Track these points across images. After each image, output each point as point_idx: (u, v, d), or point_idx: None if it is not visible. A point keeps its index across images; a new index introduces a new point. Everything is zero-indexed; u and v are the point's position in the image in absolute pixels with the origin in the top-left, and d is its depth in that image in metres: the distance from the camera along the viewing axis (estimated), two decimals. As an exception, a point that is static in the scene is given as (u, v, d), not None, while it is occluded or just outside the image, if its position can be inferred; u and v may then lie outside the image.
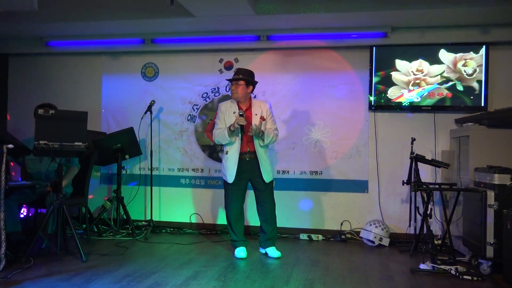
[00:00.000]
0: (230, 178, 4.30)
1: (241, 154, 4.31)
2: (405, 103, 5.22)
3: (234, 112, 4.29)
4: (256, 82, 4.43)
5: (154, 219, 5.58)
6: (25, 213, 5.00)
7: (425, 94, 5.15)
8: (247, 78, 4.33)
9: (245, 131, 4.24)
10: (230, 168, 4.30)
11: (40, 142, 3.84)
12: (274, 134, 4.38)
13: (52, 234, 4.25)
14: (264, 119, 4.33)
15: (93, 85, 6.01)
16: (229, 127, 4.23)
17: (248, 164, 4.33)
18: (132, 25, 5.40)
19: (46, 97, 5.80)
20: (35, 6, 4.35)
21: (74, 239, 4.08)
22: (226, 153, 4.35)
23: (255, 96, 5.34)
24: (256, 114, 4.34)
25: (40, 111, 3.91)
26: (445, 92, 5.14)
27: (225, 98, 5.62)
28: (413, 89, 5.17)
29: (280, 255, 4.37)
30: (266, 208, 4.40)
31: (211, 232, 5.52)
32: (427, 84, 5.18)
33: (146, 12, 5.06)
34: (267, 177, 4.34)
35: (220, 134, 4.31)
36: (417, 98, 5.18)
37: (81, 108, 5.07)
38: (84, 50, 5.94)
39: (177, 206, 5.74)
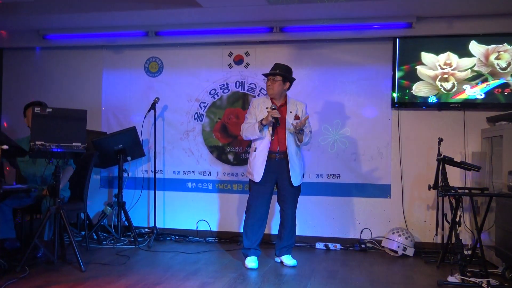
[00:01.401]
0: (257, 176, 4.31)
1: (271, 153, 4.32)
2: (431, 100, 5.17)
3: (267, 108, 4.32)
4: (294, 79, 4.47)
5: (158, 226, 5.60)
6: (20, 219, 5.04)
7: (489, 90, 5.06)
8: (285, 74, 4.35)
9: (280, 124, 4.26)
10: (258, 166, 4.31)
11: (37, 142, 3.87)
12: (310, 136, 4.43)
13: (48, 241, 4.29)
14: (298, 118, 4.36)
15: (93, 81, 6.06)
16: (261, 120, 4.25)
17: (277, 164, 4.34)
18: (134, 17, 5.43)
19: (43, 94, 5.86)
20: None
21: (72, 247, 4.10)
22: (255, 150, 4.36)
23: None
24: (291, 112, 4.38)
25: (36, 109, 3.95)
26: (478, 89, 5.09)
27: (234, 94, 5.64)
28: (476, 85, 5.07)
29: (296, 263, 4.38)
30: (289, 214, 4.41)
31: (219, 240, 5.53)
32: (456, 79, 5.13)
33: (150, 2, 5.08)
34: (295, 180, 4.34)
35: (249, 129, 4.34)
36: (481, 95, 5.09)
37: (80, 106, 5.11)
38: (84, 44, 6.00)
39: (183, 212, 5.76)
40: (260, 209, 4.38)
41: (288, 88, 4.46)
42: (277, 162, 4.35)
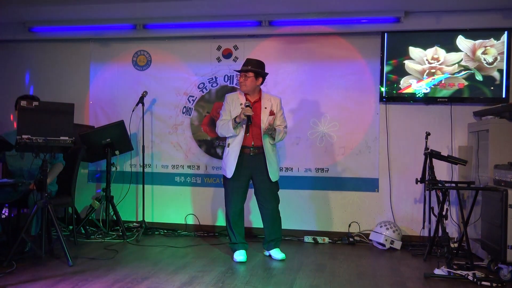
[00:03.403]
0: (229, 172, 4.32)
1: (244, 148, 4.32)
2: (419, 94, 5.21)
3: (241, 104, 4.31)
4: (267, 74, 4.45)
5: (146, 220, 5.60)
6: (6, 214, 5.01)
7: (441, 83, 5.13)
8: (257, 69, 4.35)
9: (252, 122, 4.26)
10: (230, 161, 4.32)
11: (23, 136, 3.84)
12: (284, 132, 4.44)
13: (36, 236, 4.26)
14: (273, 114, 4.36)
15: (80, 75, 6.01)
16: (235, 118, 4.24)
17: (252, 160, 4.34)
18: (122, 9, 5.39)
19: (29, 88, 5.80)
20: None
21: (60, 241, 4.08)
22: (228, 146, 4.37)
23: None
24: (265, 108, 4.37)
25: (23, 103, 3.91)
26: (463, 82, 5.13)
27: (223, 88, 5.63)
28: (423, 79, 5.14)
29: (285, 257, 4.41)
30: (270, 209, 4.42)
31: (208, 234, 5.53)
32: (443, 73, 5.16)
33: (138, -5, 5.05)
34: (273, 176, 4.36)
35: (224, 126, 4.34)
36: (426, 89, 5.15)
37: (67, 99, 5.07)
38: (70, 37, 5.93)
39: (171, 206, 5.75)
40: (236, 203, 4.40)
41: (262, 83, 4.44)
42: (252, 157, 4.35)
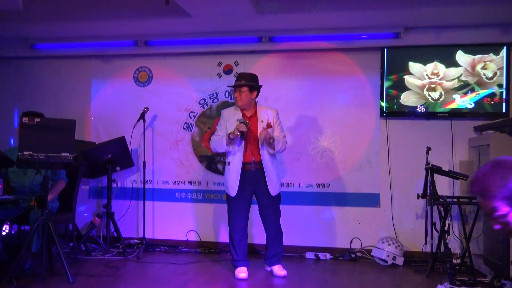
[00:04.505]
0: (233, 191, 4.31)
1: (245, 164, 4.32)
2: (423, 110, 5.22)
3: (237, 120, 4.31)
4: (261, 86, 4.46)
5: (147, 236, 5.57)
6: (7, 230, 4.99)
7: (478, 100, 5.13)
8: (251, 83, 4.35)
9: (246, 138, 4.25)
10: (232, 180, 4.31)
11: (24, 153, 3.84)
12: (283, 142, 4.40)
13: (36, 253, 4.24)
14: (270, 126, 4.35)
15: (81, 91, 6.03)
16: (229, 134, 4.24)
17: (253, 175, 4.34)
18: (124, 26, 5.44)
19: (31, 104, 5.81)
20: (20, 5, 4.38)
21: (60, 258, 4.06)
22: (228, 164, 4.36)
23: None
24: (262, 121, 4.37)
25: (25, 119, 3.93)
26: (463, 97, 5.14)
27: (224, 104, 5.64)
28: (465, 95, 5.13)
29: (286, 273, 4.38)
30: (271, 222, 4.41)
31: (209, 250, 5.50)
32: (443, 89, 5.18)
33: (139, 12, 5.09)
34: (273, 190, 4.35)
35: (217, 141, 4.34)
36: (470, 104, 5.13)
37: (68, 115, 5.09)
38: (73, 53, 5.98)
39: (172, 223, 5.73)
40: (240, 221, 4.38)
41: (256, 96, 4.45)
42: (253, 173, 4.34)
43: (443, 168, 4.67)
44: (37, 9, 4.97)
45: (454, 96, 5.15)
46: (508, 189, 1.75)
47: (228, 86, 4.58)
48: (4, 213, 4.45)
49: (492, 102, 5.08)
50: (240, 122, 4.21)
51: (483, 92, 5.10)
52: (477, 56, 5.14)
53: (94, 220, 5.26)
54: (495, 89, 5.08)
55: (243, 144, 4.30)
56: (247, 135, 4.26)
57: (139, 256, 5.10)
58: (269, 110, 4.47)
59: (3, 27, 5.51)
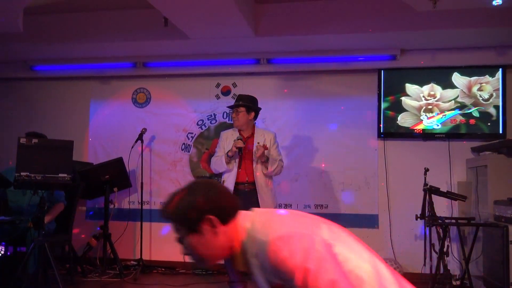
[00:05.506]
0: None
1: (238, 184, 4.29)
2: (418, 131, 5.24)
3: (234, 139, 4.32)
4: (259, 109, 4.48)
5: (144, 258, 5.52)
6: (2, 252, 4.94)
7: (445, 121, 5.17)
8: (248, 104, 4.37)
9: (244, 157, 4.26)
10: None
11: (22, 173, 3.83)
12: (279, 165, 4.37)
13: (32, 274, 4.19)
14: (266, 148, 4.34)
15: (80, 112, 6.04)
16: (227, 152, 4.25)
17: (247, 195, 4.30)
18: (123, 48, 5.48)
19: (30, 125, 5.80)
20: (20, 29, 4.42)
21: (56, 280, 4.02)
22: (223, 183, 4.35)
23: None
24: (258, 143, 4.36)
25: (22, 140, 3.92)
26: (460, 118, 5.17)
27: (222, 125, 5.65)
28: (433, 116, 5.18)
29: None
30: None
31: (206, 272, 5.44)
32: (440, 110, 5.21)
33: (138, 34, 5.14)
34: None
35: (217, 161, 4.35)
36: (437, 125, 5.19)
37: (67, 136, 5.07)
38: (71, 75, 6.01)
39: (170, 244, 5.67)
40: None
41: (255, 118, 4.45)
42: (246, 193, 4.28)
43: (441, 189, 4.66)
44: (36, 31, 5.01)
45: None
46: None
47: (227, 106, 4.60)
48: (0, 235, 4.41)
49: (488, 123, 5.11)
50: (237, 139, 4.23)
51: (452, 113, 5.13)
52: (473, 78, 5.19)
53: (91, 241, 5.23)
54: (489, 110, 5.11)
55: (237, 162, 4.29)
56: (243, 152, 4.26)
57: (136, 277, 5.04)
58: (267, 133, 4.47)
59: (3, 48, 5.54)
